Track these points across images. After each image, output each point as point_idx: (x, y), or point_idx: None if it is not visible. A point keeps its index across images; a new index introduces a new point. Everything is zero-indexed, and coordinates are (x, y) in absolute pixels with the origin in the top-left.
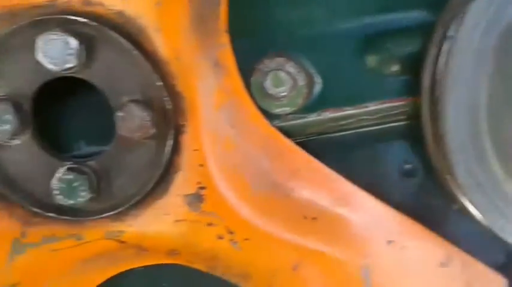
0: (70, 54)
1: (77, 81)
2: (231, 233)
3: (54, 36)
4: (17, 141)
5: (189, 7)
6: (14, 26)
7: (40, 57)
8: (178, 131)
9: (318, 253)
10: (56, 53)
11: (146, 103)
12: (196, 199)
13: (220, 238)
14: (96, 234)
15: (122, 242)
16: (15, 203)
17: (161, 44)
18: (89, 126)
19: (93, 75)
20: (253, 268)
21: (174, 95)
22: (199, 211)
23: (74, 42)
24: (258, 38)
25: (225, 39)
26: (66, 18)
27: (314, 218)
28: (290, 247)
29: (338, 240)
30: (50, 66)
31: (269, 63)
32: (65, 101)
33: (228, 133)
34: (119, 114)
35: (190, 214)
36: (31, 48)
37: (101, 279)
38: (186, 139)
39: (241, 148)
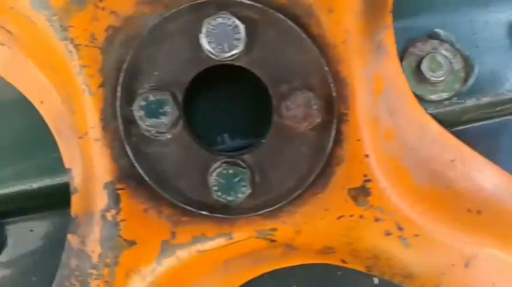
0: (237, 40)
1: (222, 69)
2: (400, 229)
3: (222, 20)
4: (169, 135)
5: None
6: (172, 10)
7: (204, 43)
8: (340, 120)
9: (488, 248)
10: (222, 38)
11: (311, 90)
12: (362, 193)
13: (388, 234)
14: (247, 233)
15: (273, 241)
16: (164, 201)
17: (331, 26)
18: (234, 119)
19: (252, 62)
20: (420, 266)
21: (338, 82)
22: (368, 206)
23: (241, 27)
24: (410, 19)
25: (389, 20)
26: (229, 0)
27: (479, 212)
28: (460, 243)
29: (506, 234)
30: (215, 53)
31: (423, 46)
32: (207, 91)
33: (388, 122)
34: (284, 103)
35: (356, 209)
36: (190, 34)
37: (241, 282)
38: (348, 128)
39: (400, 137)
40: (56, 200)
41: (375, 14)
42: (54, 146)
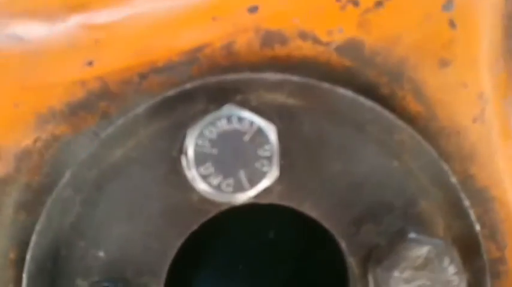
0: (265, 159)
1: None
2: None
3: (228, 124)
4: None
5: None
6: (118, 122)
7: (194, 177)
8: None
9: None
10: (231, 161)
11: (433, 234)
12: None
13: None
14: None
15: None
16: None
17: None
18: None
19: (299, 196)
20: None
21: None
22: None
23: (270, 130)
24: None
25: None
26: (239, 80)
27: None
28: None
29: None
30: (219, 194)
31: None
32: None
33: None
34: (383, 268)
35: None
36: (161, 162)
37: None
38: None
39: None
40: None
41: None
42: None
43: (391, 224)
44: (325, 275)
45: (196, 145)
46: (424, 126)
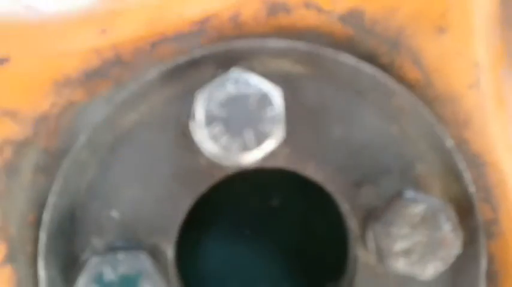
0: (271, 120)
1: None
2: None
3: (235, 87)
4: None
5: None
6: (133, 87)
7: (204, 138)
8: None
9: None
10: (239, 123)
11: (428, 193)
12: None
13: None
14: None
15: None
16: None
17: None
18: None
19: (304, 160)
20: None
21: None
22: None
23: (276, 94)
24: None
25: None
26: (245, 47)
27: None
28: None
29: None
30: (227, 155)
31: None
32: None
33: None
34: (380, 225)
35: None
36: (171, 126)
37: None
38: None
39: None
40: None
41: None
42: None
43: (389, 187)
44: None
45: (205, 107)
46: (422, 94)
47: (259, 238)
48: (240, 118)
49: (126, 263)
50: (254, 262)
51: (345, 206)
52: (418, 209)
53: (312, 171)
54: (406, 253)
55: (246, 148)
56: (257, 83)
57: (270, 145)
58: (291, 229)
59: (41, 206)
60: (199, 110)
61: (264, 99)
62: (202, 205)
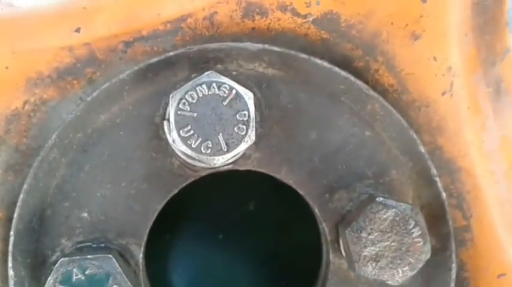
0: (243, 124)
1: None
2: None
3: (208, 89)
4: None
5: None
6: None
7: (175, 140)
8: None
9: None
10: (211, 126)
11: (400, 199)
12: None
13: None
14: None
15: None
16: None
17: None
18: None
19: (274, 163)
20: None
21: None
22: None
23: (247, 97)
24: None
25: (507, 39)
26: (218, 49)
27: None
28: None
29: None
30: (198, 158)
31: None
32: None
33: None
34: (352, 229)
35: None
36: (142, 127)
37: None
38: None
39: None
40: None
41: (488, 32)
42: None
43: (362, 192)
44: (300, 257)
45: (178, 109)
46: (396, 99)
47: (233, 242)
48: (212, 121)
49: (94, 264)
50: (226, 266)
51: (317, 211)
52: (387, 215)
53: (284, 175)
54: (375, 258)
55: (217, 150)
56: (229, 87)
57: (240, 147)
58: (266, 233)
59: (11, 204)
60: (172, 112)
61: (237, 102)
62: (176, 208)
